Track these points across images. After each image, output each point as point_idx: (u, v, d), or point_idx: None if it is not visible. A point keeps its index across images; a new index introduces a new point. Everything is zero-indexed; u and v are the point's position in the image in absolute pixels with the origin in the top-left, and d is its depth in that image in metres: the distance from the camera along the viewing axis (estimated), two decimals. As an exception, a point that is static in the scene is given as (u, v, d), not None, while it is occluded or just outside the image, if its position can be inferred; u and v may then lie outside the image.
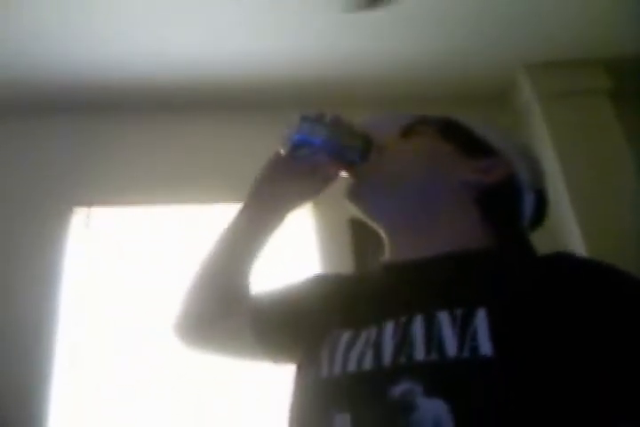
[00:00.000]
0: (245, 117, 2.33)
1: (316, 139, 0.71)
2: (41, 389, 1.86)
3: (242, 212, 0.83)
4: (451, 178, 0.71)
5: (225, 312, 0.80)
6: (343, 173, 0.76)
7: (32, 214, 2.14)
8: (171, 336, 0.85)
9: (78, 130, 2.33)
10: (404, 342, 0.55)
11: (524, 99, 2.33)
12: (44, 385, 1.87)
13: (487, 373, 0.50)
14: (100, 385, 1.95)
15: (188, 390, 1.94)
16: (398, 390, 0.52)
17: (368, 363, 0.56)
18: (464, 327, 0.53)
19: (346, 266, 2.01)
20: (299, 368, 0.67)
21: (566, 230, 2.07)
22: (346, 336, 0.61)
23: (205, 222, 2.10)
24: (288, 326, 0.74)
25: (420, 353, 0.53)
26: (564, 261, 0.60)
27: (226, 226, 0.83)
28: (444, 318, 0.55)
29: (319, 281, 0.81)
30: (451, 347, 0.52)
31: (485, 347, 0.51)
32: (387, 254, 0.73)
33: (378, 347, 0.57)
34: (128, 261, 2.15)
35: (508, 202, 0.71)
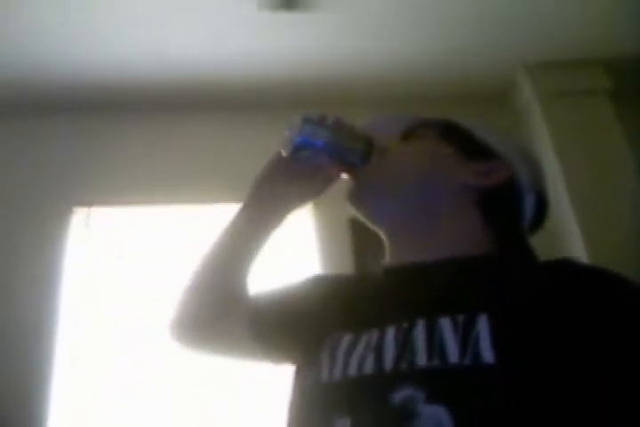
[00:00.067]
0: (245, 117, 2.33)
1: (317, 141, 0.71)
2: (41, 389, 1.86)
3: (241, 211, 0.82)
4: (451, 181, 0.71)
5: (222, 313, 0.80)
6: (344, 176, 0.76)
7: (32, 214, 2.14)
8: (167, 337, 0.85)
9: (78, 130, 2.33)
10: (405, 347, 0.55)
11: (524, 99, 2.33)
12: (44, 385, 1.87)
13: (489, 380, 0.50)
14: (100, 385, 1.95)
15: (188, 390, 1.94)
16: (399, 396, 0.51)
17: (369, 367, 0.56)
18: (466, 334, 0.53)
19: (346, 266, 2.01)
20: (298, 370, 0.67)
21: (566, 230, 2.07)
22: (346, 340, 0.61)
23: (205, 222, 2.10)
24: (287, 327, 0.74)
25: (421, 359, 0.53)
26: (567, 268, 0.60)
27: (225, 226, 0.83)
28: (445, 323, 0.55)
29: (318, 282, 0.81)
30: (452, 353, 0.52)
31: (487, 353, 0.51)
32: (387, 257, 0.73)
33: (379, 351, 0.56)
34: (128, 261, 2.15)
35: (508, 204, 0.71)
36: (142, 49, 2.10)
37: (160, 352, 1.92)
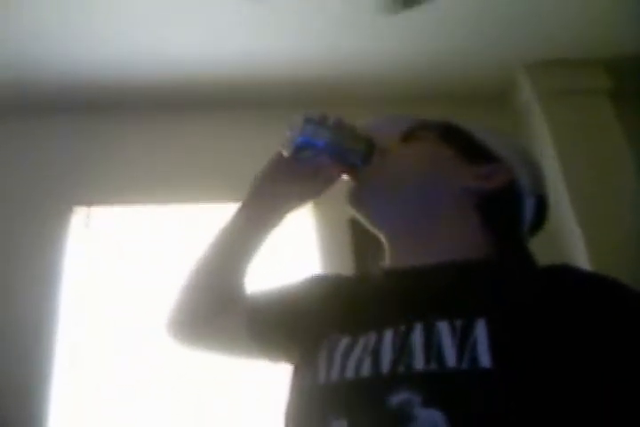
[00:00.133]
0: (245, 117, 2.33)
1: (318, 141, 0.71)
2: (41, 389, 1.86)
3: (240, 210, 0.82)
4: (452, 183, 0.71)
5: (220, 311, 0.80)
6: (345, 176, 0.76)
7: (32, 214, 2.14)
8: (163, 334, 0.85)
9: (78, 130, 2.33)
10: (403, 350, 0.55)
11: (524, 99, 2.33)
12: (44, 385, 1.87)
13: (486, 384, 0.50)
14: (100, 385, 1.95)
15: (188, 390, 1.93)
16: (396, 399, 0.51)
17: (366, 370, 0.56)
18: (463, 338, 0.53)
19: (346, 266, 2.01)
20: (295, 370, 0.67)
21: (566, 230, 2.07)
22: (344, 342, 0.61)
23: (205, 222, 2.10)
24: (285, 326, 0.74)
25: (419, 363, 0.53)
26: (567, 274, 0.60)
27: (224, 224, 0.83)
28: (443, 327, 0.55)
29: (318, 282, 0.81)
30: (450, 358, 0.52)
31: (484, 358, 0.51)
32: (387, 260, 0.73)
33: (376, 354, 0.57)
34: (128, 261, 2.15)
35: (508, 208, 0.71)
36: (142, 49, 2.10)
37: (160, 352, 1.92)
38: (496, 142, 0.75)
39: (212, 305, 0.81)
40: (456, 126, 0.77)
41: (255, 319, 0.78)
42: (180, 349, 0.86)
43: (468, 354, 0.51)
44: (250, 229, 0.81)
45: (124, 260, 2.15)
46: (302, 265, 2.09)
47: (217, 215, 1.98)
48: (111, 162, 2.26)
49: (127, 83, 2.23)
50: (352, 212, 0.75)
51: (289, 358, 0.71)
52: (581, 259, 1.98)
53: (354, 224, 2.03)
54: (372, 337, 0.59)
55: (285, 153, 0.75)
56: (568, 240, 2.06)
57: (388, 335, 0.58)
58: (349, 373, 0.57)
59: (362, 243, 2.02)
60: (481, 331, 0.53)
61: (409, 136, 0.77)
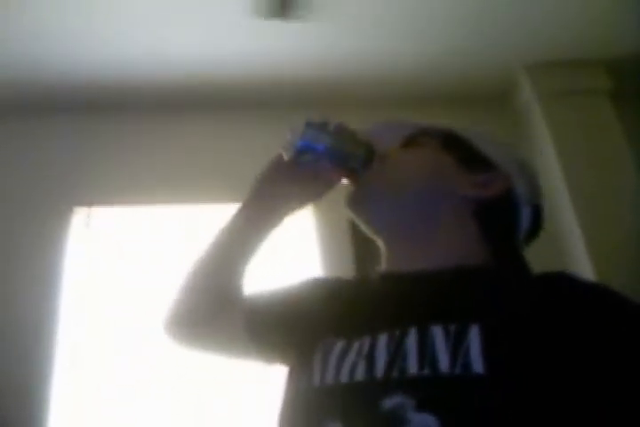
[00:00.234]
0: (245, 117, 2.33)
1: (319, 146, 0.72)
2: (41, 389, 1.86)
3: (240, 211, 0.83)
4: (450, 190, 0.71)
5: (218, 312, 0.80)
6: (344, 181, 0.77)
7: (32, 214, 2.14)
8: (162, 334, 0.85)
9: (78, 130, 2.33)
10: (397, 355, 0.56)
11: (525, 99, 2.34)
12: (44, 385, 1.87)
13: (478, 390, 0.51)
14: (100, 385, 1.95)
15: (188, 390, 1.94)
16: (390, 402, 0.52)
17: (360, 374, 0.56)
18: (457, 343, 0.53)
19: (346, 268, 2.01)
20: (290, 372, 0.68)
21: (566, 230, 2.07)
22: (339, 346, 0.61)
23: (205, 222, 2.10)
24: (282, 328, 0.74)
25: (412, 367, 0.54)
26: (564, 282, 0.60)
27: (223, 225, 0.84)
28: (437, 333, 0.55)
29: (315, 285, 0.81)
30: (443, 363, 0.52)
31: (477, 364, 0.51)
32: (383, 264, 0.73)
33: (371, 359, 0.57)
34: (128, 261, 2.15)
35: (505, 216, 0.72)
36: (142, 49, 2.10)
37: (160, 352, 1.92)
38: (495, 151, 0.76)
39: (210, 306, 0.81)
40: (456, 134, 0.78)
41: (253, 321, 0.78)
42: (178, 349, 0.86)
43: (461, 359, 0.52)
44: (249, 229, 0.82)
45: (125, 260, 2.15)
46: (303, 267, 2.09)
47: (217, 216, 1.98)
48: (111, 162, 2.26)
49: (127, 83, 2.23)
50: (350, 215, 0.75)
51: (285, 360, 0.71)
52: (581, 259, 1.98)
53: (354, 226, 2.02)
54: (367, 341, 0.59)
55: (286, 156, 0.75)
56: (568, 240, 2.07)
57: (383, 340, 0.58)
58: (344, 376, 0.57)
59: (362, 245, 2.02)
60: (474, 336, 0.53)
61: (409, 142, 0.78)
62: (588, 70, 2.25)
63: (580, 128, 2.18)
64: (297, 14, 1.87)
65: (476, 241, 0.70)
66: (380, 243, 0.75)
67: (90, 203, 2.22)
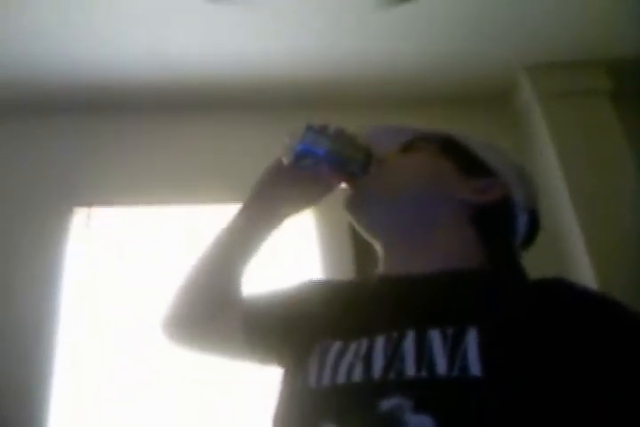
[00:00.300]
0: (245, 117, 2.33)
1: (318, 150, 0.73)
2: (41, 389, 1.86)
3: (241, 212, 0.83)
4: (448, 195, 0.72)
5: (215, 313, 0.80)
6: (343, 185, 0.78)
7: (32, 214, 2.14)
8: (159, 334, 0.85)
9: (78, 130, 2.33)
10: (394, 357, 0.56)
11: (525, 99, 2.33)
12: (44, 385, 1.87)
13: (476, 392, 0.51)
14: (101, 385, 1.95)
15: (189, 390, 1.94)
16: (387, 404, 0.52)
17: (358, 375, 0.57)
18: (454, 346, 0.54)
19: (347, 270, 2.01)
20: (285, 374, 0.68)
21: (566, 230, 2.07)
22: (335, 347, 0.61)
23: (205, 222, 2.10)
24: (278, 330, 0.75)
25: (410, 370, 0.54)
26: (562, 288, 0.61)
27: (224, 225, 0.84)
28: (435, 335, 0.55)
29: (313, 287, 0.82)
30: (441, 365, 0.53)
31: (475, 367, 0.52)
32: (381, 267, 0.74)
33: (368, 360, 0.57)
34: (128, 262, 2.15)
35: (502, 221, 0.73)
36: (142, 49, 2.10)
37: (160, 352, 1.91)
38: (493, 157, 0.77)
39: (208, 306, 0.81)
40: (455, 139, 0.79)
41: (249, 322, 0.78)
42: (175, 349, 0.86)
43: (459, 362, 0.52)
44: (250, 229, 0.82)
45: (125, 260, 2.15)
46: (303, 268, 2.09)
47: (217, 216, 1.98)
48: (111, 162, 2.26)
49: (127, 83, 2.23)
50: (349, 218, 0.76)
51: (280, 362, 0.72)
52: (581, 259, 1.98)
53: (355, 228, 2.03)
54: (364, 343, 0.59)
55: (285, 160, 0.76)
56: (568, 240, 2.06)
57: (380, 342, 0.58)
58: (341, 377, 0.58)
59: (362, 247, 2.01)
60: (472, 340, 0.54)
61: (408, 147, 0.79)
62: (588, 71, 2.25)
63: (580, 128, 2.18)
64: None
65: (472, 245, 0.70)
66: (377, 246, 0.76)
67: (90, 203, 2.22)
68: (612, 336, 0.54)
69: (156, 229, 2.22)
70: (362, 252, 2.03)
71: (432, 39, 2.13)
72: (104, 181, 2.23)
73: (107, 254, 2.17)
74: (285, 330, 0.73)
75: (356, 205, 0.75)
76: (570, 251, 2.06)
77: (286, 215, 0.82)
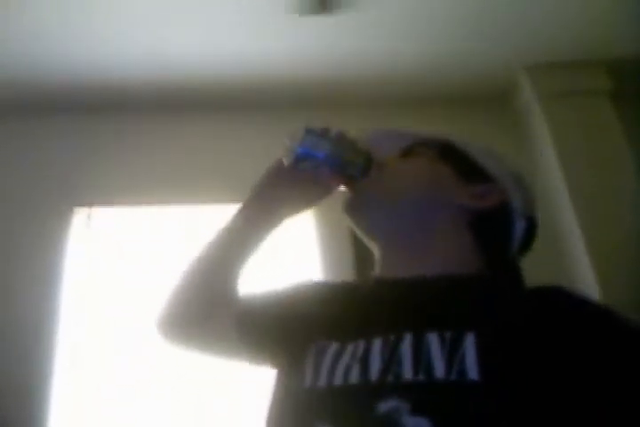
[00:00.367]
0: (245, 117, 2.33)
1: (319, 153, 0.73)
2: (41, 389, 1.86)
3: (240, 211, 0.83)
4: (447, 200, 0.73)
5: (210, 312, 0.80)
6: (342, 188, 0.78)
7: (33, 214, 2.14)
8: (154, 332, 0.85)
9: (78, 130, 2.33)
10: (392, 360, 0.56)
11: (525, 99, 2.34)
12: (44, 385, 1.87)
13: (473, 397, 0.51)
14: (101, 385, 1.95)
15: (189, 390, 1.94)
16: (384, 406, 0.52)
17: (355, 377, 0.57)
18: (452, 351, 0.54)
19: (346, 270, 2.01)
20: (279, 374, 0.68)
21: (566, 231, 2.07)
22: (332, 348, 0.61)
23: (205, 223, 2.10)
24: (273, 331, 0.75)
25: (407, 373, 0.54)
26: (560, 296, 0.61)
27: (223, 225, 0.84)
28: (433, 339, 0.56)
29: (310, 288, 0.82)
30: (439, 369, 0.53)
31: (473, 371, 0.52)
32: (377, 269, 0.74)
33: (365, 362, 0.57)
34: (128, 262, 2.15)
35: (499, 227, 0.74)
36: (142, 49, 2.10)
37: (160, 352, 1.92)
38: (492, 163, 0.77)
39: (203, 306, 0.81)
40: (454, 145, 0.79)
41: (244, 322, 0.78)
42: (169, 347, 0.86)
43: (457, 366, 0.53)
44: (248, 229, 0.82)
45: (125, 260, 2.15)
46: (303, 270, 2.09)
47: (217, 216, 1.98)
48: (112, 162, 2.26)
49: (127, 83, 2.23)
50: (348, 221, 0.76)
51: (274, 362, 0.72)
52: (581, 259, 1.98)
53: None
54: (361, 345, 0.59)
55: (285, 162, 0.76)
56: (568, 240, 2.06)
57: (377, 344, 0.58)
58: (337, 379, 0.58)
59: (363, 248, 2.01)
60: (470, 344, 0.54)
61: (408, 152, 0.79)
62: (588, 71, 2.25)
63: (580, 128, 2.18)
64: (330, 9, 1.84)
65: (470, 251, 0.71)
66: (374, 249, 0.76)
67: (90, 203, 2.22)
68: (608, 344, 0.54)
69: (156, 229, 2.22)
70: (362, 253, 2.02)
71: (432, 39, 2.13)
72: (104, 180, 2.23)
73: (107, 254, 2.17)
74: (281, 330, 0.73)
75: (355, 208, 0.76)
76: (570, 251, 2.06)
77: (285, 216, 0.82)
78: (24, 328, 1.94)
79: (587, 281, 1.92)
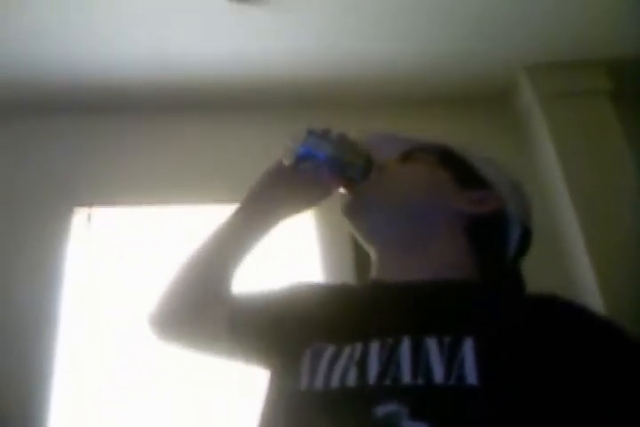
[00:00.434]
0: (245, 117, 2.33)
1: (320, 154, 0.73)
2: (41, 389, 1.86)
3: (238, 211, 0.83)
4: (445, 205, 0.73)
5: (202, 310, 0.80)
6: (342, 190, 0.78)
7: (33, 215, 2.14)
8: (146, 329, 0.85)
9: (79, 130, 2.33)
10: (390, 363, 0.56)
11: (525, 100, 2.33)
12: (44, 385, 1.87)
13: (472, 401, 0.52)
14: (101, 386, 1.95)
15: (189, 390, 1.94)
16: (383, 410, 0.52)
17: (352, 380, 0.56)
18: (451, 356, 0.54)
19: (347, 272, 2.00)
20: (273, 376, 0.68)
21: (566, 231, 2.07)
22: (329, 351, 0.61)
23: (205, 223, 2.10)
24: (266, 331, 0.74)
25: (406, 377, 0.54)
26: (557, 303, 0.62)
27: (220, 224, 0.84)
28: (432, 344, 0.56)
29: (305, 289, 0.81)
30: (438, 374, 0.53)
31: (471, 376, 0.52)
32: (374, 272, 0.75)
33: (362, 365, 0.57)
34: (129, 262, 2.15)
35: (495, 233, 0.74)
36: (142, 49, 2.10)
37: (160, 353, 1.91)
38: (490, 170, 0.78)
39: (195, 304, 0.81)
40: (453, 151, 0.80)
41: (235, 321, 0.78)
42: (162, 345, 0.86)
43: (456, 371, 0.53)
44: (245, 229, 0.82)
45: (125, 261, 2.15)
46: (303, 271, 2.09)
47: (217, 216, 1.97)
48: (112, 163, 2.26)
49: (127, 83, 2.23)
50: (347, 223, 0.77)
51: (267, 363, 0.72)
52: (581, 259, 1.98)
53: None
54: (358, 348, 0.59)
55: (286, 163, 0.76)
56: (568, 240, 2.06)
57: (375, 347, 0.58)
58: (334, 382, 0.57)
59: (363, 250, 2.01)
60: (468, 349, 0.54)
61: (407, 157, 0.80)
62: (588, 71, 2.25)
63: (580, 129, 2.18)
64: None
65: (464, 254, 0.72)
66: (371, 251, 0.77)
67: (90, 203, 2.22)
68: (606, 350, 0.55)
69: (157, 229, 2.22)
70: (362, 255, 2.02)
71: (432, 39, 2.13)
72: (104, 181, 2.23)
73: (107, 254, 2.17)
74: (275, 331, 0.73)
75: (354, 210, 0.76)
76: (570, 251, 2.05)
77: (283, 217, 0.82)
78: (24, 328, 1.93)
79: (587, 281, 1.92)
